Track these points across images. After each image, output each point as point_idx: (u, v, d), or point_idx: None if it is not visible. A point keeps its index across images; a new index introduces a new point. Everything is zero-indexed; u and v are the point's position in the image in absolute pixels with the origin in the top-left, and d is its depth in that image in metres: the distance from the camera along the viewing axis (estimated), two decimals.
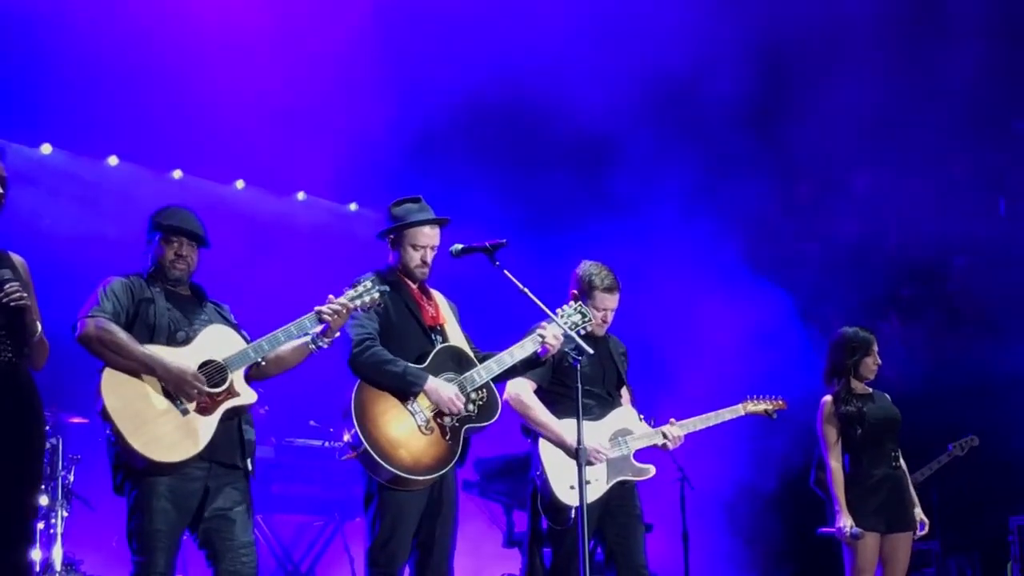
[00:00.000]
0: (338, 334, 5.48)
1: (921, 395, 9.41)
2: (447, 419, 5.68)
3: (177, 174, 10.06)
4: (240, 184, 10.49)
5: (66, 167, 9.19)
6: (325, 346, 5.45)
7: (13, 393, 4.91)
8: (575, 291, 6.41)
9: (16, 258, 5.13)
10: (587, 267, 6.52)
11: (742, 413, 6.90)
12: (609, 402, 6.46)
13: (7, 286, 4.85)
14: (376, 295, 5.50)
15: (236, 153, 9.92)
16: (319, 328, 5.40)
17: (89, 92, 8.79)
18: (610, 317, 6.49)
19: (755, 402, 6.96)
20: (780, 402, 7.02)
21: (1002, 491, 8.99)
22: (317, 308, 5.38)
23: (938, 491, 9.20)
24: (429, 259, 5.92)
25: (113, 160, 9.78)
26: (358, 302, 5.45)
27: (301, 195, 10.92)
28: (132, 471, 5.17)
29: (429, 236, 5.91)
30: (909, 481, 7.43)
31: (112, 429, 5.10)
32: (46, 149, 9.19)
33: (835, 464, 7.27)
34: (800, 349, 9.67)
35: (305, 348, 5.45)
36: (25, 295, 4.89)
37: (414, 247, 5.89)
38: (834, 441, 7.31)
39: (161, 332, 5.30)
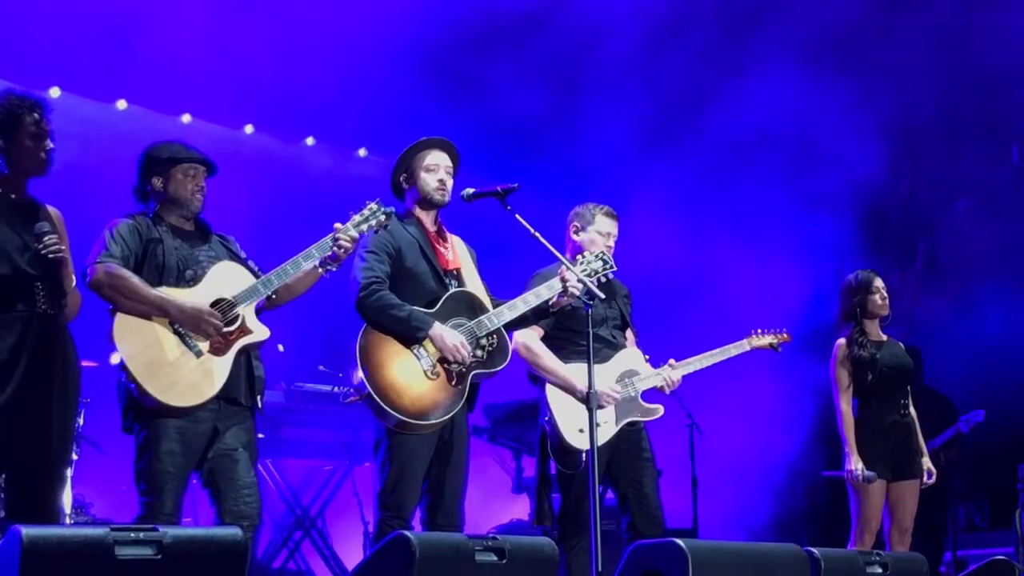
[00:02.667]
0: (344, 257, 5.41)
1: (926, 344, 9.40)
2: (454, 364, 5.65)
3: (186, 119, 10.01)
4: (249, 129, 10.45)
5: (74, 110, 9.13)
6: (333, 269, 5.40)
7: (50, 344, 4.95)
8: (575, 226, 6.40)
9: (52, 210, 5.17)
10: (580, 206, 6.52)
11: (747, 348, 6.81)
12: (614, 344, 6.44)
13: (46, 238, 4.88)
14: (383, 217, 5.46)
15: (246, 98, 9.87)
16: (327, 254, 5.36)
17: (97, 35, 8.73)
18: (612, 243, 6.45)
19: (760, 336, 6.87)
20: (785, 335, 6.94)
21: (1011, 437, 8.98)
22: (328, 236, 5.34)
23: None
24: (447, 180, 5.87)
25: (122, 104, 9.74)
26: (365, 226, 5.43)
27: (310, 140, 10.88)
28: (143, 411, 5.18)
29: (439, 156, 5.88)
30: (918, 429, 7.44)
31: (128, 377, 5.11)
32: (54, 92, 9.14)
33: (845, 407, 7.29)
34: (805, 288, 9.66)
35: (315, 273, 5.41)
36: (63, 247, 4.92)
37: (427, 170, 5.86)
38: (846, 385, 7.32)
39: (170, 272, 5.29)
